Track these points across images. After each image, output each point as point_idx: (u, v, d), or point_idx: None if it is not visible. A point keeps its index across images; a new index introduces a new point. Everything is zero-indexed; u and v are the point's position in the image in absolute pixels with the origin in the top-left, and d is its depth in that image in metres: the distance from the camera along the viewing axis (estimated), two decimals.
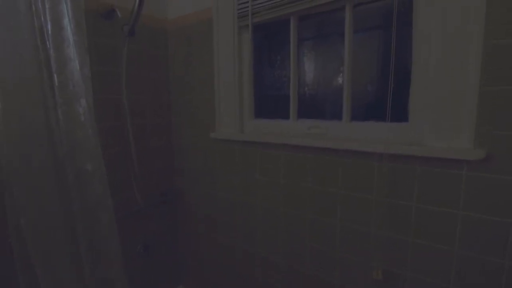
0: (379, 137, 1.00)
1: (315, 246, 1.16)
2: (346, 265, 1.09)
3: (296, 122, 1.22)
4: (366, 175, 1.00)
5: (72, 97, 0.81)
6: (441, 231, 0.89)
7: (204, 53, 1.40)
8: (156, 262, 1.58)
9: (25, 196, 0.77)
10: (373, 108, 1.08)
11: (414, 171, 0.92)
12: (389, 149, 0.92)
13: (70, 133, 0.81)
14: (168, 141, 1.59)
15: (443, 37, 0.84)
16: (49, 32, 0.76)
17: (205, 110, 1.44)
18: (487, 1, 0.76)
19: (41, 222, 0.79)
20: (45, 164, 0.81)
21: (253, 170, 1.31)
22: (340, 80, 1.14)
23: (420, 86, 0.92)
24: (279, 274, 1.28)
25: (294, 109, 1.23)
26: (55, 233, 0.82)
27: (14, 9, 0.73)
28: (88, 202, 0.86)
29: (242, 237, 1.39)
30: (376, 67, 1.11)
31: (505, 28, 0.75)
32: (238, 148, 1.34)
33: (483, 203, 0.82)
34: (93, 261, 0.88)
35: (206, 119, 1.44)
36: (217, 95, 1.38)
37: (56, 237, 0.82)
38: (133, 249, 1.46)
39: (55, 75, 0.78)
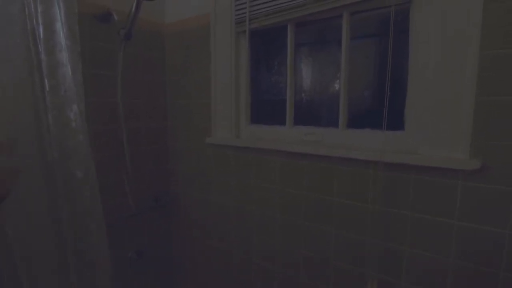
0: (375, 145, 0.99)
1: (310, 254, 1.15)
2: (340, 274, 1.08)
3: (292, 128, 1.22)
4: (362, 183, 1.00)
5: (64, 102, 0.79)
6: (436, 240, 0.88)
7: (201, 58, 1.40)
8: (150, 267, 1.56)
9: (12, 201, 0.75)
10: (369, 115, 1.07)
11: (409, 179, 0.91)
12: (385, 157, 0.92)
13: (61, 139, 0.79)
14: (163, 145, 1.58)
15: (439, 47, 0.83)
16: (41, 35, 0.75)
17: (201, 115, 1.43)
18: (483, 14, 0.76)
19: (27, 228, 0.77)
20: (34, 169, 0.79)
21: (249, 175, 1.29)
22: (336, 87, 1.14)
23: (416, 95, 0.92)
24: (275, 281, 1.27)
25: (290, 115, 1.22)
26: (42, 240, 0.80)
27: (6, 11, 0.72)
28: (77, 209, 0.84)
29: (238, 242, 1.38)
30: (373, 74, 1.11)
31: (500, 39, 0.75)
32: (234, 154, 1.33)
33: (479, 213, 0.82)
34: (81, 270, 0.86)
35: (202, 124, 1.43)
36: (213, 100, 1.37)
37: (42, 244, 0.80)
38: (126, 254, 1.44)
39: (46, 80, 0.76)
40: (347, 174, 1.03)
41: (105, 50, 1.27)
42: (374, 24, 1.08)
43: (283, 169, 1.18)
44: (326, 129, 1.12)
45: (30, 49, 0.76)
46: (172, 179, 1.61)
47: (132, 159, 1.33)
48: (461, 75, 0.80)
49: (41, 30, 0.75)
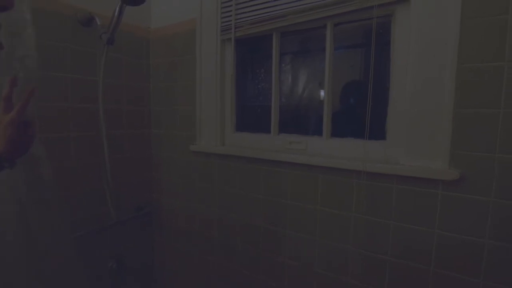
0: (358, 154, 1.00)
1: (294, 263, 1.14)
2: (324, 282, 1.07)
3: (277, 136, 1.21)
4: (345, 192, 1.00)
5: None
6: (419, 249, 0.89)
7: (186, 65, 1.38)
8: (131, 277, 1.51)
9: None
10: (352, 125, 1.08)
11: (391, 189, 0.92)
12: (367, 167, 0.93)
13: None
14: (146, 152, 1.55)
15: (418, 60, 0.85)
16: None
17: (186, 122, 1.41)
18: (460, 29, 0.79)
19: None
20: None
21: (233, 184, 1.28)
22: (321, 95, 1.15)
23: (397, 105, 0.93)
24: None
25: (275, 124, 1.22)
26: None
27: None
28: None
29: (221, 252, 1.35)
30: (357, 84, 1.12)
31: (478, 53, 0.78)
32: (218, 162, 1.32)
33: (458, 222, 0.83)
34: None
35: (187, 131, 1.41)
36: (198, 107, 1.35)
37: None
38: (107, 264, 1.39)
39: None
40: (330, 183, 1.03)
41: (87, 54, 1.23)
42: (358, 34, 1.10)
43: (267, 177, 1.18)
44: (311, 137, 1.13)
45: None
46: (155, 187, 1.58)
47: (113, 167, 1.29)
48: (440, 87, 0.82)
49: None
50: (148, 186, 1.57)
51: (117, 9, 1.08)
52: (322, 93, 1.13)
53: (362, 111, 0.96)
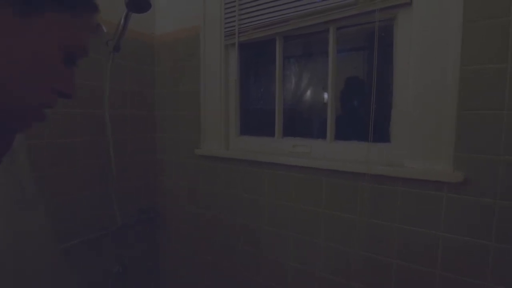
0: (362, 157, 1.00)
1: (299, 266, 1.14)
2: (329, 286, 1.07)
3: (281, 140, 1.22)
4: (350, 194, 1.00)
5: None
6: (423, 252, 0.89)
7: (190, 70, 1.40)
8: (135, 282, 1.51)
9: None
10: (356, 127, 1.09)
11: (396, 191, 0.92)
12: (371, 170, 0.93)
13: None
14: (151, 157, 1.56)
15: (421, 62, 0.86)
16: None
17: (191, 126, 1.42)
18: (463, 30, 0.79)
19: None
20: None
21: (237, 187, 1.29)
22: (324, 98, 1.16)
23: (400, 108, 0.94)
24: None
25: (279, 127, 1.23)
26: None
27: None
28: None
29: (225, 255, 1.36)
30: (360, 87, 1.13)
31: (480, 55, 0.78)
32: (223, 165, 1.33)
33: (463, 224, 0.83)
34: None
35: (191, 135, 1.42)
36: (202, 111, 1.37)
37: None
38: (112, 269, 1.39)
39: None
40: (335, 186, 1.03)
41: (93, 60, 1.26)
42: (360, 38, 1.11)
43: (271, 180, 1.18)
44: (314, 140, 1.13)
45: None
46: (160, 191, 1.59)
47: (119, 171, 1.30)
48: (443, 90, 0.83)
49: None
50: (153, 190, 1.58)
51: (123, 17, 1.10)
52: (325, 96, 1.14)
53: (365, 114, 0.97)
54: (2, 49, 0.33)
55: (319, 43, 1.15)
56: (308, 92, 1.25)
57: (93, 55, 1.26)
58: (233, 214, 1.31)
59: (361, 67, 1.13)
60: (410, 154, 0.89)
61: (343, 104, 1.12)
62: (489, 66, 0.77)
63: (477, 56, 0.78)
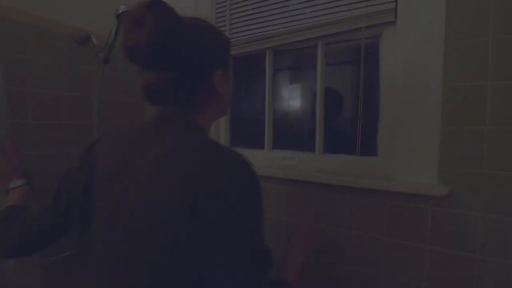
0: (350, 170, 1.02)
1: None
2: None
3: (270, 152, 1.23)
4: (338, 208, 1.01)
5: None
6: (409, 265, 0.90)
7: None
8: None
9: None
10: (344, 141, 1.10)
11: (383, 204, 0.93)
12: (359, 183, 0.94)
13: None
14: None
15: (405, 78, 0.88)
16: None
17: None
18: (445, 49, 0.82)
19: None
20: None
21: None
22: (313, 111, 1.17)
23: (386, 122, 0.96)
24: None
25: (269, 140, 1.24)
26: None
27: None
28: None
29: None
30: (349, 100, 1.15)
31: (462, 73, 0.81)
32: None
33: (448, 237, 0.84)
34: None
35: None
36: None
37: None
38: None
39: None
40: (324, 199, 1.04)
41: (83, 72, 1.25)
42: (349, 53, 1.14)
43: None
44: (304, 153, 1.14)
45: None
46: None
47: None
48: (427, 105, 0.85)
49: None
50: None
51: (113, 31, 1.11)
52: (314, 109, 1.15)
53: (354, 128, 0.98)
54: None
55: (309, 57, 1.17)
56: (298, 105, 1.26)
57: (83, 67, 1.25)
58: None
59: (350, 81, 1.16)
60: (396, 168, 0.91)
61: (332, 117, 1.14)
62: (470, 84, 0.80)
63: (458, 74, 0.81)
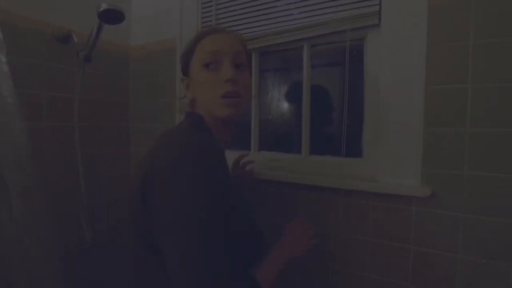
0: (336, 171, 1.02)
1: None
2: None
3: (257, 154, 1.22)
4: (324, 209, 1.01)
5: None
6: (396, 266, 0.90)
7: (166, 82, 1.38)
8: None
9: None
10: (330, 142, 1.11)
11: (368, 206, 0.94)
12: (344, 185, 0.94)
13: None
14: (125, 172, 1.51)
15: (389, 81, 0.89)
16: None
17: None
18: (427, 52, 0.83)
19: None
20: None
21: None
22: (300, 113, 1.17)
23: (371, 123, 0.97)
24: None
25: (255, 141, 1.23)
26: None
27: None
28: None
29: None
30: (334, 102, 1.16)
31: (444, 76, 0.82)
32: None
33: (432, 238, 0.85)
34: None
35: None
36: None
37: None
38: None
39: None
40: (310, 201, 1.04)
41: (64, 71, 1.21)
42: (335, 55, 1.14)
43: (248, 195, 1.17)
44: (290, 155, 1.14)
45: None
46: None
47: (89, 187, 1.25)
48: (410, 108, 0.86)
49: None
50: (126, 207, 1.52)
51: (95, 28, 1.07)
52: (300, 110, 1.15)
53: (339, 129, 0.99)
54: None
55: (295, 58, 1.17)
56: (284, 106, 1.26)
57: (64, 66, 1.21)
58: None
59: (336, 83, 1.16)
60: (381, 169, 0.92)
61: (318, 119, 1.14)
62: (451, 86, 0.81)
63: (440, 77, 0.83)
